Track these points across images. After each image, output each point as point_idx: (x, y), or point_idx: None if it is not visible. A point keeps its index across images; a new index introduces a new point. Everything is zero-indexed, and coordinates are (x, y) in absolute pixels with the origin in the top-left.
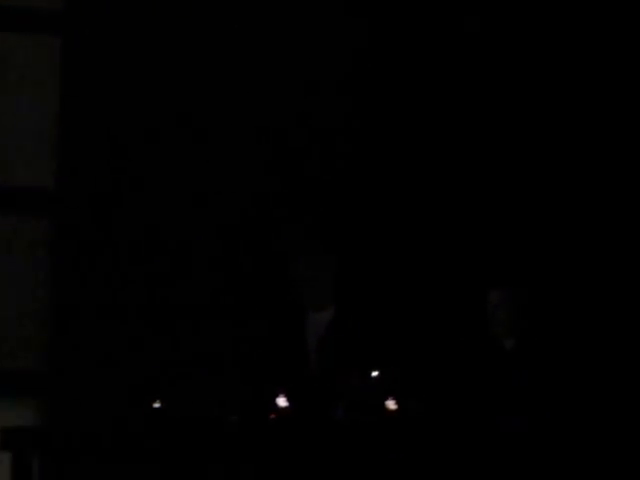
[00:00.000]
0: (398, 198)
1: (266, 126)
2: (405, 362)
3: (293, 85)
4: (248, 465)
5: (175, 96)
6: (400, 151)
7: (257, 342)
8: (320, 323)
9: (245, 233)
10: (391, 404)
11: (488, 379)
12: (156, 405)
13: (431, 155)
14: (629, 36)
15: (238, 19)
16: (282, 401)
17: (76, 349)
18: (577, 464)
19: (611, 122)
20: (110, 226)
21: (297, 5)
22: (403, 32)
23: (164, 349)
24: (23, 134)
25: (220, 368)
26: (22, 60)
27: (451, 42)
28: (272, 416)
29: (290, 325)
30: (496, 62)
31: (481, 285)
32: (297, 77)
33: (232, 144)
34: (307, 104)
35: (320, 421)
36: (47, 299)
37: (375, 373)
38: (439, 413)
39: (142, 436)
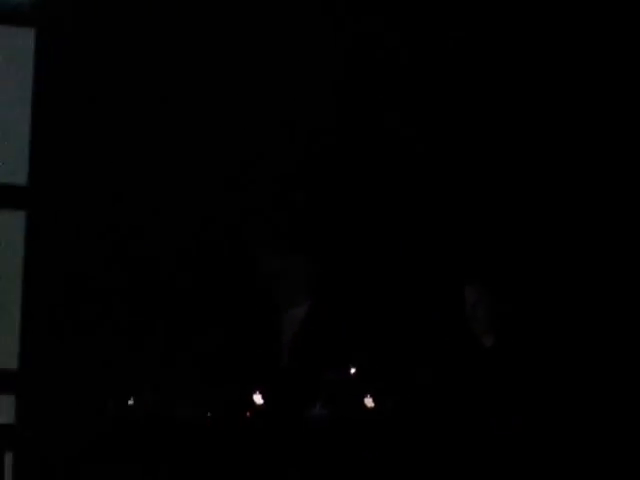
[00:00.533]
0: (372, 193)
1: (238, 122)
2: (383, 359)
3: (266, 80)
4: (224, 463)
5: (150, 90)
6: (372, 143)
7: (231, 339)
8: (294, 319)
9: (217, 229)
10: (369, 401)
11: (467, 376)
12: (130, 402)
13: (405, 148)
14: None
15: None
16: (258, 398)
17: (49, 346)
18: (559, 460)
19: (594, 113)
20: (84, 223)
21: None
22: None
23: (138, 346)
24: None
25: (195, 366)
26: None
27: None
28: (248, 414)
29: (264, 321)
30: (487, 54)
31: (459, 281)
32: (271, 73)
33: (203, 138)
34: (280, 100)
35: (296, 418)
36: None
37: (352, 370)
38: (417, 410)
39: (116, 434)
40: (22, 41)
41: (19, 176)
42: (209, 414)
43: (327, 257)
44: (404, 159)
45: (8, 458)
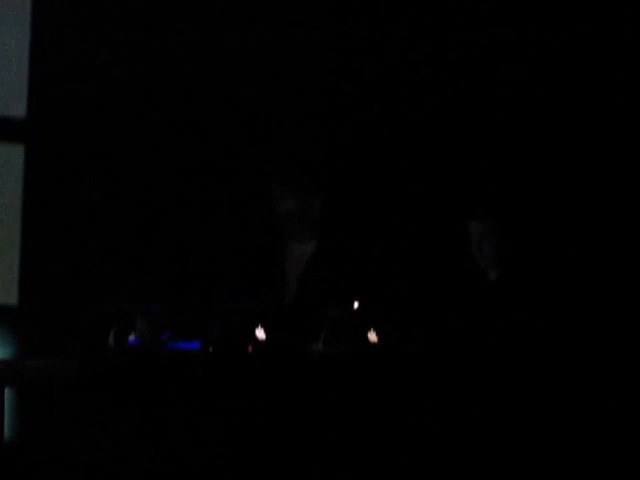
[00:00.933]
0: (380, 135)
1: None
2: (387, 294)
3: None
4: (225, 397)
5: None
6: (381, 88)
7: (236, 273)
8: (301, 255)
9: (228, 166)
10: (372, 336)
11: (472, 310)
12: (131, 338)
13: (409, 87)
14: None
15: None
16: (260, 333)
17: (48, 280)
18: (556, 397)
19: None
20: (82, 156)
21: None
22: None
23: (137, 279)
24: None
25: (197, 299)
26: None
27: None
28: (250, 348)
29: (270, 256)
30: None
31: (464, 216)
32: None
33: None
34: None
35: (299, 353)
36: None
37: (356, 304)
38: (422, 345)
39: (116, 369)
40: None
41: (18, 109)
42: (211, 348)
43: (337, 196)
44: (409, 99)
45: (9, 394)
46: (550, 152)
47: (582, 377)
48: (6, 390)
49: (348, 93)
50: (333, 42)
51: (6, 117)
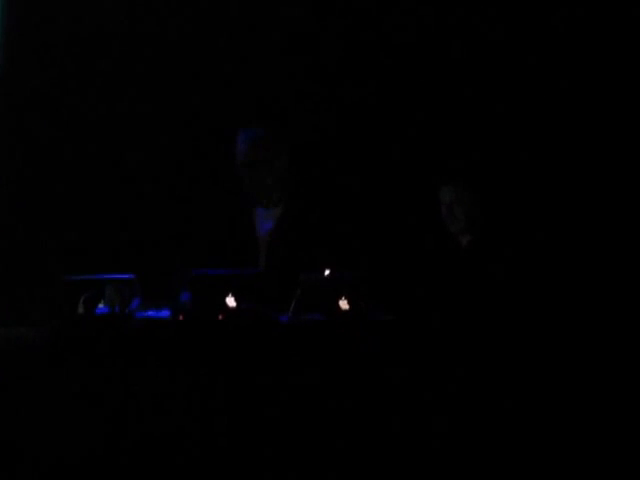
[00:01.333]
0: (352, 96)
1: None
2: (358, 261)
3: None
4: (195, 365)
5: None
6: (354, 50)
7: (204, 240)
8: (269, 219)
9: (193, 131)
10: (343, 303)
11: (443, 275)
12: (100, 306)
13: (384, 52)
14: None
15: None
16: (230, 300)
17: (16, 250)
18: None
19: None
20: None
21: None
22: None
23: (106, 247)
24: None
25: (167, 267)
26: None
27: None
28: (220, 316)
29: (239, 221)
30: None
31: (435, 181)
32: None
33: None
34: None
35: (269, 320)
36: None
37: (327, 271)
38: (394, 312)
39: (85, 337)
40: None
41: None
42: (180, 316)
43: (305, 160)
44: (381, 62)
45: None
46: (522, 115)
47: (552, 348)
48: None
49: (320, 51)
50: None
51: None
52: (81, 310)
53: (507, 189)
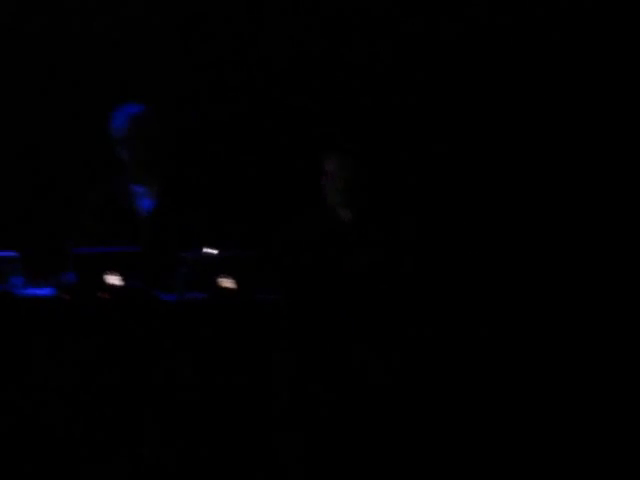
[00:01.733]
0: (236, 68)
1: None
2: (241, 238)
3: None
4: (78, 344)
5: None
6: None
7: (90, 218)
8: (147, 197)
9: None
10: (226, 281)
11: (325, 250)
12: None
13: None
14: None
15: None
16: (113, 279)
17: None
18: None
19: None
20: None
21: None
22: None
23: None
24: None
25: (50, 245)
26: None
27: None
28: (103, 295)
29: (122, 200)
30: None
31: (319, 153)
32: None
33: None
34: None
35: (154, 298)
36: None
37: (209, 250)
38: (278, 291)
39: None
40: None
41: None
42: (65, 295)
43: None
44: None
45: None
46: (415, 88)
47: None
48: None
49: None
50: None
51: None
52: None
53: (391, 163)
